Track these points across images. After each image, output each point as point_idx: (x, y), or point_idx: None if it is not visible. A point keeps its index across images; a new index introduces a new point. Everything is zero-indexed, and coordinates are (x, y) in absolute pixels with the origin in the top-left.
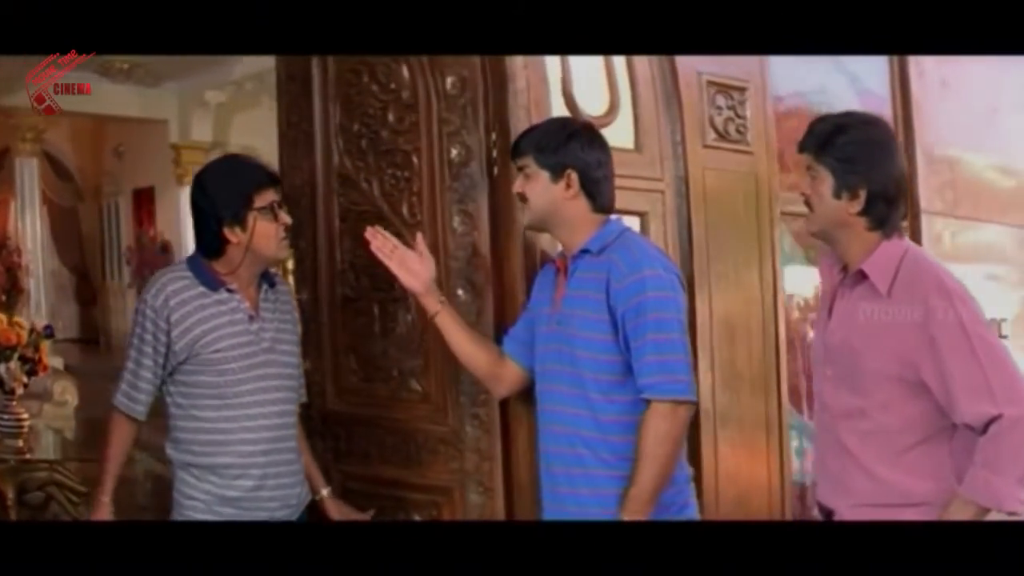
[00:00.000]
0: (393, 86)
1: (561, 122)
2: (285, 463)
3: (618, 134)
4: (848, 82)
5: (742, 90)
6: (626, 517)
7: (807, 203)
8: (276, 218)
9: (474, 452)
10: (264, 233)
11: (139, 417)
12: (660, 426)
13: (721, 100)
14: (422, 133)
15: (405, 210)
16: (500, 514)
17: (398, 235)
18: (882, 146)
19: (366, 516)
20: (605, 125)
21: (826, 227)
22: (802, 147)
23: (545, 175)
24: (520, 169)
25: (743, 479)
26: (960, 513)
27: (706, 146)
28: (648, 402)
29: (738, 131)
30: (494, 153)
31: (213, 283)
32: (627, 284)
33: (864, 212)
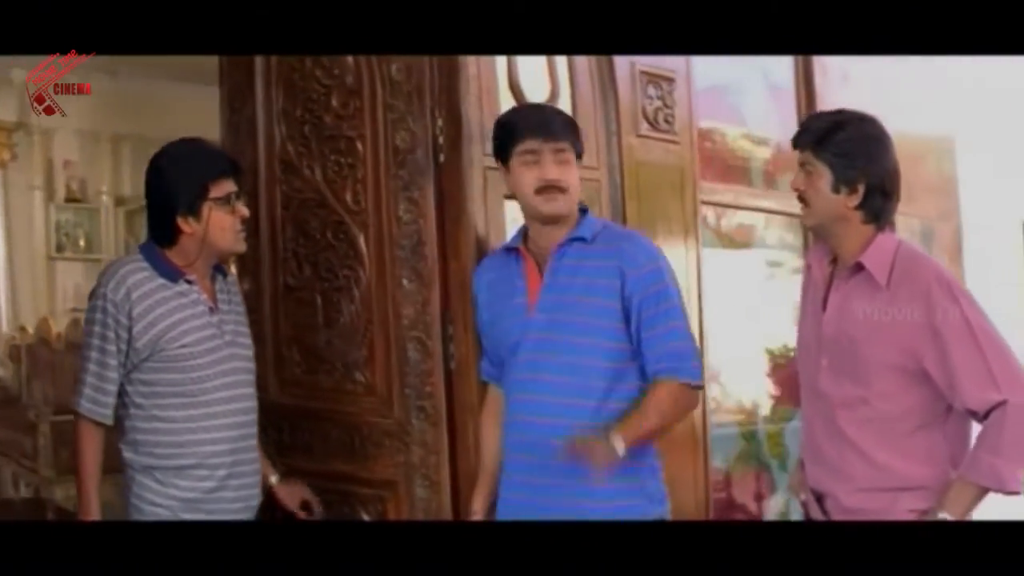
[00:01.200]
0: (337, 71)
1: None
2: (249, 462)
3: None
4: (761, 76)
5: (671, 80)
6: (615, 441)
7: (801, 198)
8: (233, 210)
9: (420, 445)
10: (219, 225)
11: (107, 422)
12: (678, 398)
13: (652, 90)
14: (366, 119)
15: (349, 197)
16: (447, 508)
17: (340, 223)
18: (877, 141)
19: (316, 501)
20: None
21: (824, 221)
22: (797, 144)
23: None
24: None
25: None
26: (961, 495)
27: (639, 135)
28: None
29: (666, 121)
30: (440, 139)
31: (172, 274)
32: (646, 272)
33: (860, 206)
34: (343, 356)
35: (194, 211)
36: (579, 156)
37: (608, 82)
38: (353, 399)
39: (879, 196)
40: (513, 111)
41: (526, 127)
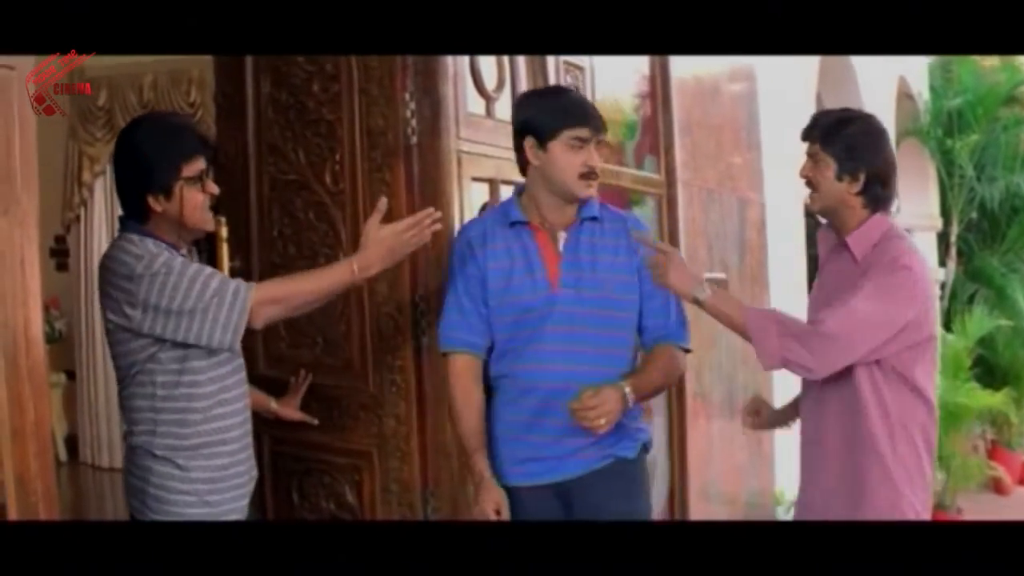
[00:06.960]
0: (318, 58)
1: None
2: (249, 433)
3: (504, 109)
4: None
5: (582, 69)
6: (627, 389)
7: (809, 184)
8: (203, 187)
9: (392, 418)
10: (192, 203)
11: None
12: (680, 361)
13: (570, 79)
14: (343, 102)
15: (328, 179)
16: (416, 479)
17: (321, 204)
18: (877, 137)
19: (313, 420)
20: (495, 100)
21: (829, 204)
22: (808, 136)
23: None
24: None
25: None
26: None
27: None
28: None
29: None
30: (414, 122)
31: (170, 248)
32: (645, 250)
33: (861, 192)
34: (323, 332)
35: (165, 191)
36: None
37: (539, 71)
38: (332, 373)
39: (877, 185)
40: (555, 95)
41: (582, 115)
